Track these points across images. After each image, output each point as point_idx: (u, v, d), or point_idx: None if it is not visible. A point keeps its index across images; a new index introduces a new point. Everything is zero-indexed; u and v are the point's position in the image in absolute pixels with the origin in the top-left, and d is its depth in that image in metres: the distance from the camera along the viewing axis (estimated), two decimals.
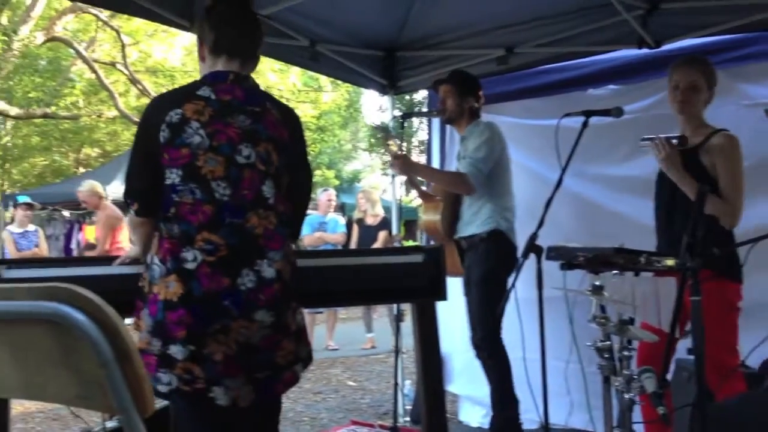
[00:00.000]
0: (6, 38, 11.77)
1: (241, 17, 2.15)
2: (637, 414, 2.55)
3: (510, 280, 2.76)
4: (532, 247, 2.70)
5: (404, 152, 3.95)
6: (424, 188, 4.16)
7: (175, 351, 1.90)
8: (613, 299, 2.50)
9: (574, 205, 3.94)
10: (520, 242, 3.36)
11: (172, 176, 1.96)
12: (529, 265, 2.72)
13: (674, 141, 2.88)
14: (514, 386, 3.57)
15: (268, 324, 1.97)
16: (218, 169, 1.97)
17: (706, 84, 2.95)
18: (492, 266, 3.57)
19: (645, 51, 3.82)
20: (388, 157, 3.99)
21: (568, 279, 2.65)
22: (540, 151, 4.06)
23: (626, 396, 2.43)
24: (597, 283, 2.53)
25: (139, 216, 2.08)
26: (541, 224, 2.73)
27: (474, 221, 3.67)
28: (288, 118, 2.15)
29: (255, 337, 1.95)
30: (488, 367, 3.65)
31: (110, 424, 2.80)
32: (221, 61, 2.11)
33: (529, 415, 3.54)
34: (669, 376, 2.43)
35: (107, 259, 2.46)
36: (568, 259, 2.67)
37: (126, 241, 6.92)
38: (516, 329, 3.38)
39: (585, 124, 2.85)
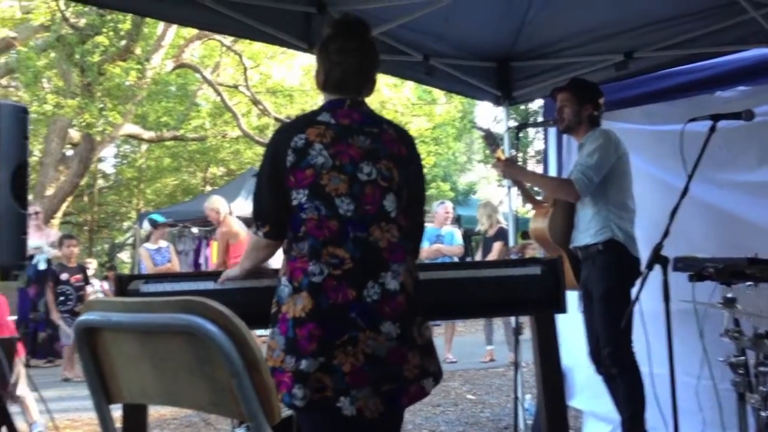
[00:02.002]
0: (140, 67, 12.57)
1: (352, 54, 2.18)
2: None
3: (633, 292, 2.67)
4: (658, 258, 2.61)
5: (509, 156, 3.89)
6: (538, 197, 4.08)
7: (307, 365, 1.96)
8: (747, 312, 2.37)
9: (701, 214, 3.76)
10: (644, 253, 3.24)
11: (299, 197, 2.04)
12: (655, 276, 2.62)
13: None
14: (645, 404, 3.40)
15: (394, 336, 2.01)
16: (342, 187, 2.04)
17: None
18: (614, 281, 3.42)
19: None
20: (494, 163, 3.95)
21: (697, 291, 2.54)
22: (663, 158, 3.91)
23: (763, 414, 2.30)
24: (729, 295, 2.41)
25: (268, 238, 2.15)
26: (666, 234, 2.63)
27: (588, 230, 3.55)
28: (404, 136, 2.22)
29: (381, 349, 2.00)
30: (618, 384, 3.51)
31: (239, 431, 2.91)
32: (337, 93, 2.19)
33: None
34: None
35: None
36: (696, 270, 2.56)
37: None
38: (642, 343, 3.25)
39: (713, 129, 2.72)
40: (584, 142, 3.65)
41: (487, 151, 23.25)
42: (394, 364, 2.02)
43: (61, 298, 7.69)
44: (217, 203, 7.50)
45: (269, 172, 2.13)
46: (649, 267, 2.61)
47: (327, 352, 1.96)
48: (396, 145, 2.15)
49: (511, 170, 3.82)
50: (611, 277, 3.43)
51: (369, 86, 2.22)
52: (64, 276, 7.77)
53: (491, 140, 3.92)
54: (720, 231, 3.81)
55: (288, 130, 2.14)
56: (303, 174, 2.04)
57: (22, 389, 4.77)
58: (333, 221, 2.02)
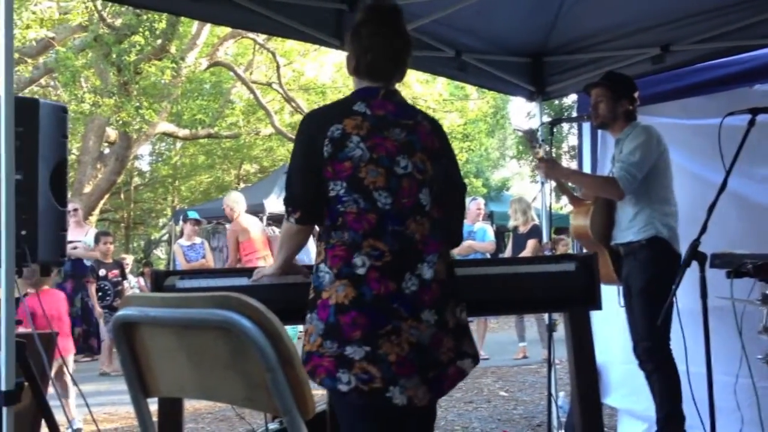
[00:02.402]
0: (175, 65, 12.72)
1: (383, 39, 2.19)
2: None
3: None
4: (695, 254, 2.56)
5: (551, 156, 3.85)
6: (576, 194, 4.04)
7: (352, 351, 1.98)
8: None
9: (740, 209, 3.69)
10: (684, 249, 3.19)
11: (337, 188, 2.06)
12: (691, 273, 2.58)
13: None
14: (681, 402, 3.36)
15: (433, 323, 2.05)
16: (379, 180, 2.06)
17: None
18: (654, 274, 3.37)
19: None
20: (536, 163, 3.92)
21: (735, 288, 2.49)
22: (700, 153, 3.84)
23: None
24: None
25: (300, 224, 2.15)
26: (704, 230, 2.58)
27: (631, 228, 3.51)
28: (437, 128, 2.23)
29: (424, 336, 2.03)
30: (654, 381, 3.47)
31: (272, 426, 2.94)
32: (369, 78, 2.19)
33: (695, 431, 3.35)
34: None
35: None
36: (735, 266, 2.52)
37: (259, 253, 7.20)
38: (679, 341, 3.21)
39: (752, 123, 2.67)
40: (622, 138, 3.60)
41: (521, 147, 23.10)
42: (435, 350, 2.05)
43: (99, 294, 7.83)
44: (231, 200, 7.56)
45: (303, 159, 2.13)
46: (686, 263, 2.57)
47: (372, 341, 1.98)
48: (430, 138, 2.17)
49: (554, 171, 3.78)
50: (652, 270, 3.39)
51: (400, 72, 2.23)
52: (101, 272, 7.91)
53: (533, 140, 3.88)
54: (758, 227, 3.73)
55: (322, 118, 2.14)
56: (341, 166, 2.05)
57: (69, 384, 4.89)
58: (372, 214, 2.04)
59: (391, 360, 1.98)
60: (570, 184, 4.01)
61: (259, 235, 7.42)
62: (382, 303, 2.00)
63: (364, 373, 1.97)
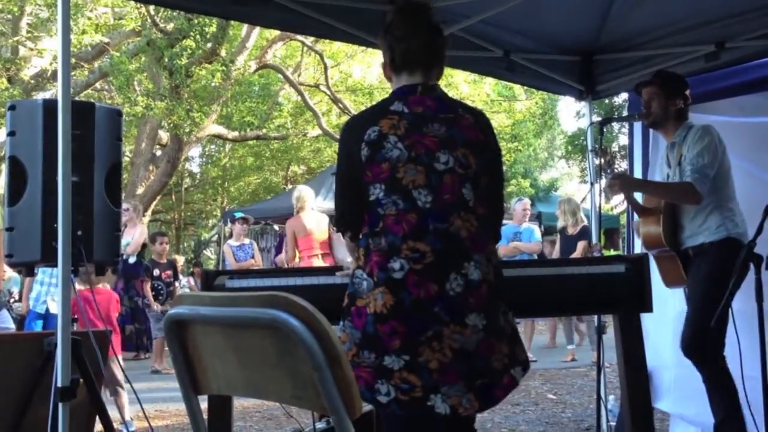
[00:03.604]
0: (225, 69, 12.92)
1: (416, 29, 2.15)
2: None
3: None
4: (751, 255, 2.50)
5: (622, 171, 3.77)
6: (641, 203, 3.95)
7: (390, 362, 1.93)
8: None
9: None
10: None
11: (376, 191, 2.02)
12: (748, 275, 2.52)
13: None
14: (740, 406, 3.26)
15: (481, 328, 1.97)
16: (419, 178, 2.01)
17: None
18: (717, 272, 3.26)
19: None
20: (585, 165, 3.86)
21: None
22: (755, 151, 3.75)
23: None
24: None
25: (354, 241, 2.14)
26: (759, 231, 2.52)
27: (703, 231, 3.42)
28: (480, 120, 2.16)
29: (470, 342, 1.96)
30: (708, 386, 3.37)
31: (320, 425, 2.96)
32: (404, 75, 2.16)
33: None
34: None
35: (315, 270, 2.63)
36: None
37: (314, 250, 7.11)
38: (733, 344, 3.13)
39: None
40: (678, 141, 3.52)
41: (569, 148, 22.79)
42: (484, 357, 1.98)
43: (153, 293, 8.00)
44: (298, 193, 7.33)
45: (345, 171, 2.12)
46: (742, 265, 2.51)
47: (411, 350, 1.93)
48: (473, 131, 2.10)
49: (629, 186, 3.71)
50: (716, 268, 3.29)
51: (437, 66, 2.18)
52: (155, 272, 8.08)
53: (602, 155, 3.81)
54: None
55: (359, 123, 2.12)
56: (379, 168, 2.01)
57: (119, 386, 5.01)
58: (411, 214, 1.99)
59: (433, 367, 1.92)
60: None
61: (317, 234, 7.20)
62: (423, 308, 1.94)
63: (404, 382, 1.92)
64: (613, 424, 4.42)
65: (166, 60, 12.06)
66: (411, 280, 1.95)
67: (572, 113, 28.65)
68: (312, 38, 13.99)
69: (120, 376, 4.93)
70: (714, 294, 3.16)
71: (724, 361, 3.29)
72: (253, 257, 8.50)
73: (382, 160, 2.02)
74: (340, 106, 16.28)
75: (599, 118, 4.42)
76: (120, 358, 5.21)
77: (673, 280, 3.53)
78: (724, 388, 3.28)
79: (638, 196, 3.77)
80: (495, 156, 2.17)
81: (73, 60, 11.60)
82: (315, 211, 7.38)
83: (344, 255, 7.13)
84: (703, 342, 3.28)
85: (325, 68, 15.35)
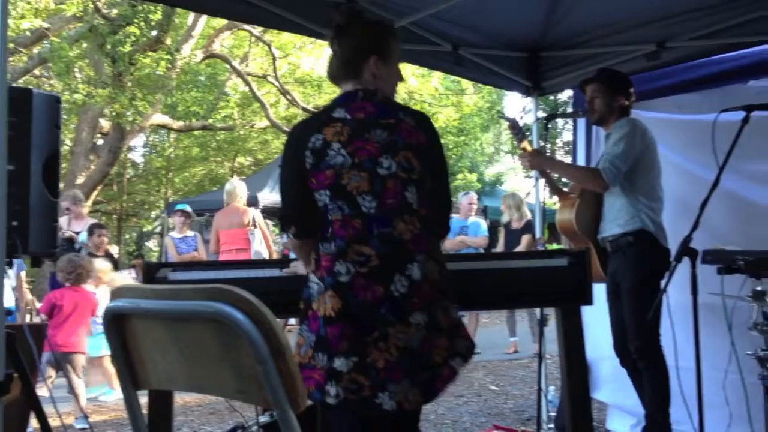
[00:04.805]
0: (170, 57, 12.67)
1: (341, 38, 2.18)
2: None
3: (662, 285, 2.64)
4: (687, 250, 2.58)
5: (535, 147, 3.84)
6: (565, 189, 4.04)
7: (340, 364, 1.97)
8: None
9: (731, 206, 3.70)
10: (673, 245, 3.20)
11: (322, 198, 2.05)
12: (682, 269, 2.59)
13: None
14: (669, 402, 3.37)
15: (423, 325, 2.02)
16: (363, 184, 2.03)
17: None
18: (644, 273, 3.39)
19: None
20: (520, 154, 3.92)
21: (726, 284, 2.51)
22: (693, 149, 3.86)
23: None
24: (759, 288, 2.38)
25: (297, 238, 2.17)
26: (696, 226, 2.59)
27: (616, 219, 3.51)
28: (422, 123, 2.18)
29: (414, 340, 2.00)
30: (644, 378, 3.48)
31: (263, 419, 2.94)
32: (343, 82, 2.20)
33: (683, 426, 3.36)
34: None
35: (260, 263, 2.60)
36: (726, 263, 2.53)
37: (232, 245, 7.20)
38: (668, 337, 3.23)
39: (746, 120, 2.68)
40: (612, 131, 3.61)
41: (515, 142, 23.13)
42: (426, 352, 2.03)
43: None
44: (229, 187, 7.59)
45: (289, 173, 2.14)
46: (678, 259, 2.59)
47: (359, 351, 1.97)
48: (414, 134, 2.12)
49: (538, 161, 3.79)
50: (641, 268, 3.40)
51: (364, 72, 2.16)
52: None
53: (517, 130, 3.89)
54: (749, 223, 3.75)
55: (304, 130, 2.13)
56: (324, 175, 2.04)
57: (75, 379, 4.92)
58: (357, 220, 2.02)
59: (380, 366, 1.96)
60: (555, 176, 4.00)
61: (238, 229, 7.30)
62: (369, 310, 1.98)
63: (353, 383, 1.96)
64: (552, 414, 4.52)
65: (109, 47, 11.77)
66: (357, 283, 1.99)
67: (518, 109, 29.06)
68: (260, 28, 13.85)
69: (72, 374, 4.86)
70: (642, 295, 3.26)
71: (662, 353, 3.40)
72: (196, 250, 8.36)
73: (326, 167, 2.04)
74: (289, 97, 16.16)
75: (545, 114, 4.49)
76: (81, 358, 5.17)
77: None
78: (662, 380, 3.38)
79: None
80: (438, 157, 2.20)
81: (11, 45, 11.21)
82: (241, 206, 7.53)
83: (262, 250, 7.20)
84: (647, 344, 3.37)
85: (274, 59, 15.20)
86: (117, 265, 8.42)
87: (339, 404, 1.97)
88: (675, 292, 2.66)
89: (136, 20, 11.94)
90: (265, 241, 7.46)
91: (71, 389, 4.79)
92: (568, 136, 20.93)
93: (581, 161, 4.69)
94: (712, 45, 3.96)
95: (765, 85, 3.79)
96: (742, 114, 2.69)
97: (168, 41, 13.05)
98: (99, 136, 14.72)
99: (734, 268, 2.49)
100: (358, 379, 1.96)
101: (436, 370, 2.05)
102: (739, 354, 2.61)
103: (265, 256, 7.24)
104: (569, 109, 7.00)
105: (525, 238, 7.60)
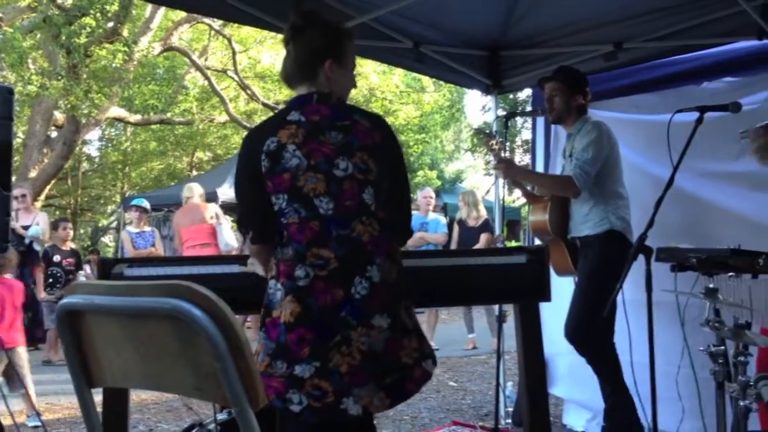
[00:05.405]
0: (127, 49, 12.44)
1: (297, 40, 2.17)
2: (753, 422, 2.43)
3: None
4: (641, 248, 2.62)
5: (508, 156, 3.89)
6: (530, 188, 4.10)
7: (301, 370, 1.94)
8: (728, 302, 2.40)
9: (684, 204, 3.78)
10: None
11: (279, 201, 2.03)
12: (637, 266, 2.64)
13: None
14: (629, 396, 3.42)
15: (386, 327, 2.00)
16: (319, 186, 2.01)
17: None
18: (604, 264, 3.42)
19: (765, 42, 3.62)
20: (490, 158, 3.97)
21: (679, 281, 2.56)
22: (650, 148, 3.92)
23: (741, 403, 2.33)
24: (711, 285, 2.43)
25: (255, 243, 2.13)
26: (651, 224, 2.64)
27: (587, 222, 3.58)
28: (377, 124, 2.16)
29: (377, 343, 1.98)
30: (598, 373, 3.53)
31: (221, 417, 2.91)
32: (298, 84, 2.18)
33: None
34: None
35: (218, 259, 2.57)
36: (679, 260, 2.58)
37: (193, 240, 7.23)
38: (624, 332, 3.29)
39: (699, 120, 2.74)
40: (574, 133, 3.66)
41: (475, 140, 23.28)
42: (392, 354, 2.01)
43: (50, 280, 7.66)
44: (186, 188, 7.69)
45: (245, 178, 2.12)
46: (633, 257, 2.63)
47: (321, 356, 1.94)
48: (370, 136, 2.10)
49: (513, 171, 3.82)
50: (601, 260, 3.46)
51: (319, 75, 2.14)
52: (56, 258, 7.75)
53: (490, 140, 3.94)
54: (702, 221, 3.83)
55: (259, 134, 2.11)
56: (280, 178, 2.01)
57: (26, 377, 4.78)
58: (314, 222, 2.00)
59: (343, 371, 1.94)
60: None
61: (199, 225, 7.33)
62: (330, 313, 1.95)
63: (316, 389, 1.93)
64: (510, 409, 4.56)
65: (64, 38, 11.49)
66: (317, 286, 1.97)
67: (479, 107, 29.30)
68: (220, 22, 13.70)
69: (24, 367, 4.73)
70: (598, 285, 3.32)
71: (614, 347, 3.46)
72: (153, 245, 8.24)
73: (282, 170, 2.02)
74: (249, 92, 16.01)
75: (504, 113, 4.53)
76: (20, 350, 4.99)
77: (562, 268, 3.68)
78: (614, 374, 3.44)
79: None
80: (396, 157, 2.19)
81: None
82: (200, 202, 7.57)
83: (230, 241, 7.21)
84: (587, 331, 3.43)
85: (234, 53, 15.05)
86: (80, 263, 8.29)
87: (302, 411, 1.94)
88: (630, 288, 2.71)
89: (92, 11, 11.69)
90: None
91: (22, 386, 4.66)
92: (527, 134, 21.15)
93: (540, 159, 4.74)
94: (668, 46, 4.04)
95: (718, 87, 3.87)
96: (696, 114, 2.75)
97: (125, 33, 12.80)
98: (53, 128, 14.37)
99: (687, 265, 2.54)
100: (321, 385, 1.94)
101: (406, 372, 2.03)
102: (691, 349, 2.67)
103: (235, 246, 7.27)
104: (528, 108, 7.08)
105: (484, 237, 7.65)
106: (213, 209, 7.53)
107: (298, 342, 1.95)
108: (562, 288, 3.70)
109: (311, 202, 2.01)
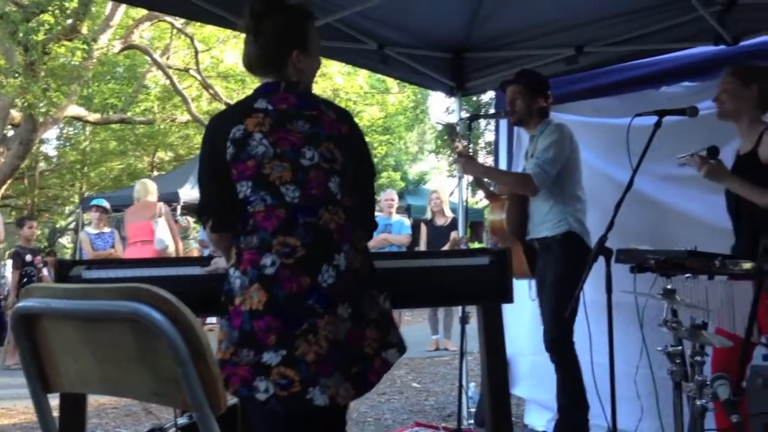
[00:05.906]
0: (86, 47, 12.21)
1: (264, 30, 2.13)
2: (709, 421, 2.47)
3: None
4: (602, 249, 2.66)
5: (469, 152, 3.93)
6: (492, 188, 4.14)
7: (268, 358, 1.93)
8: (685, 303, 2.44)
9: (643, 207, 3.84)
10: (591, 244, 3.31)
11: (243, 189, 2.01)
12: (598, 268, 2.68)
13: (703, 154, 2.83)
14: (585, 391, 3.49)
15: (347, 316, 2.00)
16: (285, 174, 2.01)
17: (745, 85, 2.90)
18: (567, 270, 3.48)
19: (721, 47, 3.71)
20: (455, 158, 4.00)
21: (638, 282, 2.60)
22: (610, 151, 3.98)
23: (698, 403, 2.37)
24: (669, 286, 2.47)
25: (215, 231, 2.11)
26: (610, 226, 2.68)
27: (545, 223, 3.62)
28: (342, 116, 2.18)
29: (340, 332, 1.98)
30: (559, 370, 3.59)
31: (181, 421, 2.87)
32: (263, 73, 2.16)
33: (596, 420, 3.47)
34: (745, 384, 2.35)
35: (179, 260, 2.54)
36: (638, 262, 2.62)
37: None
38: (584, 333, 3.33)
39: (658, 124, 2.79)
40: (537, 135, 3.70)
41: (439, 142, 23.39)
42: (354, 344, 2.01)
43: (25, 280, 7.54)
44: (137, 186, 7.71)
45: (208, 165, 2.10)
46: (594, 259, 2.67)
47: (288, 344, 1.93)
48: (336, 126, 2.12)
49: (472, 167, 3.84)
50: (565, 265, 3.50)
51: (287, 65, 2.13)
52: (28, 257, 7.64)
53: (453, 135, 3.96)
54: (660, 223, 3.90)
55: (224, 121, 2.09)
56: (245, 165, 2.00)
57: None
58: (280, 210, 1.99)
59: (309, 360, 1.93)
60: (486, 180, 4.10)
61: (142, 222, 7.31)
62: (296, 301, 1.94)
63: (283, 378, 1.92)
64: (473, 410, 4.59)
65: (21, 35, 11.22)
66: (283, 274, 1.95)
67: (443, 108, 29.45)
68: (182, 20, 13.53)
69: None
70: (570, 291, 3.36)
71: (574, 348, 3.51)
72: (113, 247, 8.10)
73: (247, 157, 2.00)
74: (211, 92, 15.84)
75: (468, 115, 4.55)
76: None
77: (519, 271, 3.70)
78: (573, 373, 3.50)
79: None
80: (361, 148, 2.20)
81: None
82: (152, 200, 7.55)
83: (165, 238, 7.14)
84: (566, 340, 3.48)
85: (196, 52, 14.87)
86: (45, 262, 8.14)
87: (268, 399, 1.92)
88: (591, 289, 2.75)
89: (50, 8, 11.46)
90: (170, 230, 7.31)
91: None
92: (490, 136, 21.29)
93: (503, 161, 4.78)
94: (628, 51, 4.11)
95: (676, 91, 3.95)
96: (655, 118, 2.80)
97: (84, 30, 12.55)
98: (9, 127, 14.03)
99: (646, 267, 2.58)
100: (287, 374, 1.92)
101: (367, 363, 2.03)
102: (649, 350, 2.71)
103: (169, 244, 7.14)
104: (492, 110, 7.13)
105: (454, 235, 7.66)
106: (159, 206, 7.43)
107: (266, 330, 1.93)
108: (521, 289, 3.73)
109: (277, 190, 2.00)
